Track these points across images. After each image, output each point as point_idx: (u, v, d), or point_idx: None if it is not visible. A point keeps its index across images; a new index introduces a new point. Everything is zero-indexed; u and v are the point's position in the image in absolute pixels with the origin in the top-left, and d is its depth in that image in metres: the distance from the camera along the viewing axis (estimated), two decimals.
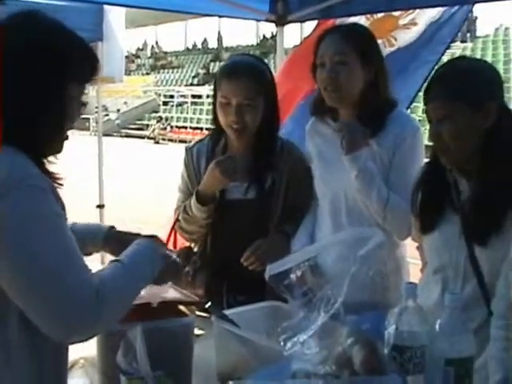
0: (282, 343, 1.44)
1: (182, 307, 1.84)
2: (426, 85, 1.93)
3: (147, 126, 29.79)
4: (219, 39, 42.88)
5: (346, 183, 2.26)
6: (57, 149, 1.49)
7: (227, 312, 1.87)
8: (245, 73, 2.31)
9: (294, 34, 6.15)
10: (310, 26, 4.27)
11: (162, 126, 29.98)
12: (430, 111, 1.86)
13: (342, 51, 2.23)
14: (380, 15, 3.95)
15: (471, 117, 1.79)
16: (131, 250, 1.56)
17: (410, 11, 3.81)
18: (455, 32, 3.86)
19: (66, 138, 1.50)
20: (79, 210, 2.70)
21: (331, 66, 2.24)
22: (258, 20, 4.17)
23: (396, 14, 3.92)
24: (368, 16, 3.93)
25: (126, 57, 9.18)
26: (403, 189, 2.15)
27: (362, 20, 3.78)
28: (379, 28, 3.87)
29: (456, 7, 3.71)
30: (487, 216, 1.79)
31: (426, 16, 3.83)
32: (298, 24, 4.30)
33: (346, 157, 2.19)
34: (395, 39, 3.91)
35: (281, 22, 4.03)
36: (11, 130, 1.35)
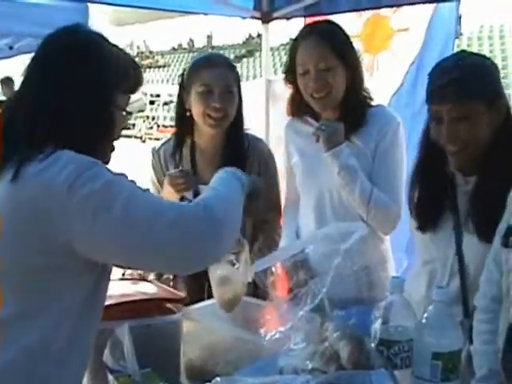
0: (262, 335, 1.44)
1: (168, 304, 1.83)
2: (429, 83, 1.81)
3: (133, 125, 29.64)
4: (209, 38, 42.79)
5: (329, 180, 2.25)
6: (105, 159, 1.47)
7: (190, 308, 1.87)
8: (223, 62, 2.38)
9: (280, 32, 6.15)
10: (296, 24, 4.26)
11: (148, 125, 29.86)
12: (440, 111, 1.77)
13: (325, 57, 2.21)
14: (369, 15, 3.93)
15: (488, 115, 1.76)
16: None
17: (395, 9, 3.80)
18: (454, 30, 3.84)
19: (113, 148, 1.51)
20: None
21: (317, 74, 2.21)
22: (243, 17, 4.15)
23: (385, 14, 3.90)
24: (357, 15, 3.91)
25: None
26: (386, 183, 2.18)
27: (353, 17, 3.77)
28: (374, 35, 3.87)
29: (443, 5, 3.71)
30: (486, 211, 1.77)
31: (415, 19, 3.82)
32: (284, 23, 4.29)
33: (326, 154, 2.19)
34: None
35: (266, 19, 4.02)
36: (63, 140, 1.34)
